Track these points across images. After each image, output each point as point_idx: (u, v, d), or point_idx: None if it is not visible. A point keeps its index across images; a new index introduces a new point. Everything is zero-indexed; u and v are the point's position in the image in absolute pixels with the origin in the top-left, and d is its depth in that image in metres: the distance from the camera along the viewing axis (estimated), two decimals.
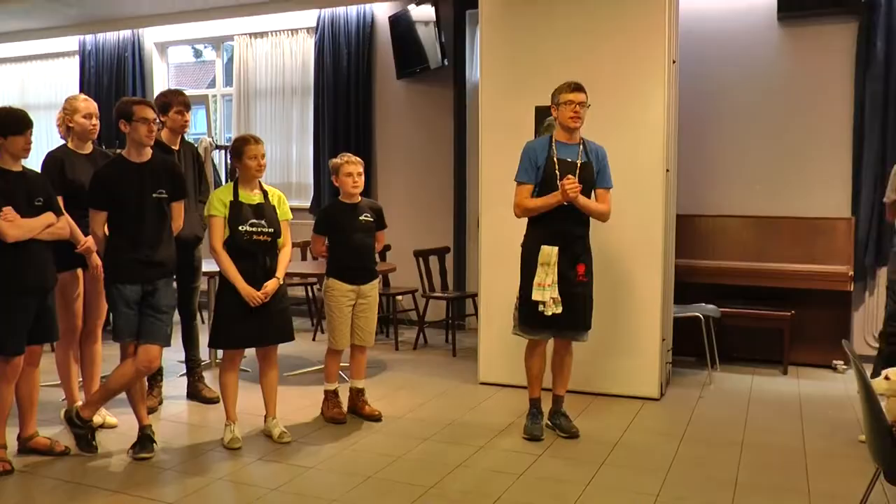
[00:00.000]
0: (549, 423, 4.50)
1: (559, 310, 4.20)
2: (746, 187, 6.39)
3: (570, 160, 4.27)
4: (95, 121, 4.54)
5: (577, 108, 4.22)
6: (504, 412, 4.86)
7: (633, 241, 5.15)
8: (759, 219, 6.30)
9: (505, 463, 4.01)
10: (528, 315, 4.30)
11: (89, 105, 4.54)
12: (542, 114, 5.21)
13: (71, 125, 4.51)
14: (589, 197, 4.33)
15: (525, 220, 4.40)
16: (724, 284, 6.12)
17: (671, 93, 5.24)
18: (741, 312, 5.98)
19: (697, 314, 5.66)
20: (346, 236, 4.59)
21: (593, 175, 4.32)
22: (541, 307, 4.20)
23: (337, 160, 4.65)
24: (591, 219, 4.38)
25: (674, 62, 5.30)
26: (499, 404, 5.08)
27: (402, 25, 7.49)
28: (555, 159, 4.25)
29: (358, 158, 4.65)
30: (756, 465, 4.01)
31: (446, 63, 7.17)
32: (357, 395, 4.81)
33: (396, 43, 7.55)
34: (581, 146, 4.33)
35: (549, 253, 4.21)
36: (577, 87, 4.24)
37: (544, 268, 4.20)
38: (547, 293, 4.19)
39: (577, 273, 4.28)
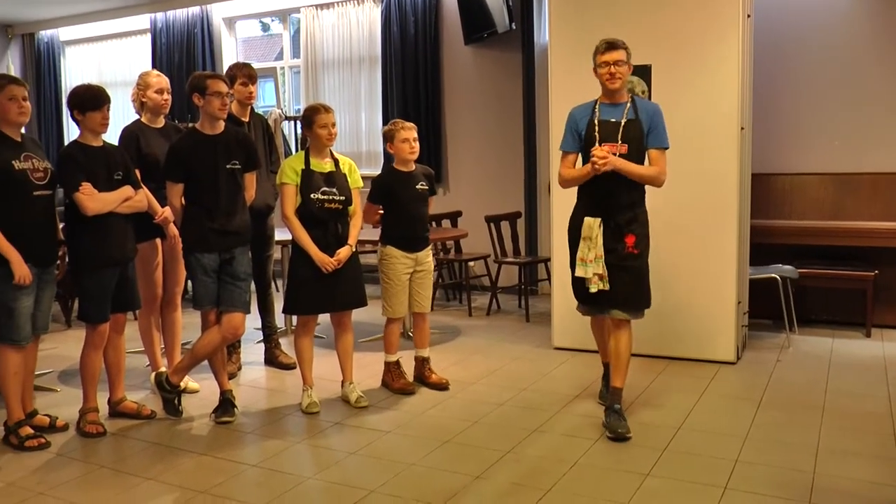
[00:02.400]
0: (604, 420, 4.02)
1: (605, 286, 3.94)
2: (825, 144, 6.18)
3: (613, 121, 3.96)
4: (167, 95, 4.66)
5: (612, 69, 3.92)
6: (578, 377, 4.84)
7: (708, 202, 5.05)
8: (839, 176, 6.10)
9: (580, 428, 4.01)
10: (575, 291, 4.12)
11: (161, 80, 4.66)
12: None
13: (144, 100, 4.64)
14: (640, 158, 3.98)
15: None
16: (802, 245, 5.97)
17: (746, 48, 5.08)
18: (821, 273, 5.81)
19: (774, 275, 5.53)
20: (404, 205, 4.56)
21: (641, 133, 3.95)
22: (586, 284, 3.98)
23: (390, 126, 4.59)
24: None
25: (749, 16, 5.13)
26: (573, 369, 5.06)
27: None
28: (596, 122, 3.98)
29: (411, 123, 4.61)
30: (838, 430, 3.92)
31: (514, 27, 7.09)
32: (422, 363, 4.82)
33: (463, 8, 7.49)
34: (629, 105, 3.99)
35: (591, 225, 3.95)
36: (611, 46, 3.93)
37: (586, 242, 3.95)
38: (590, 269, 3.93)
39: (625, 245, 3.96)
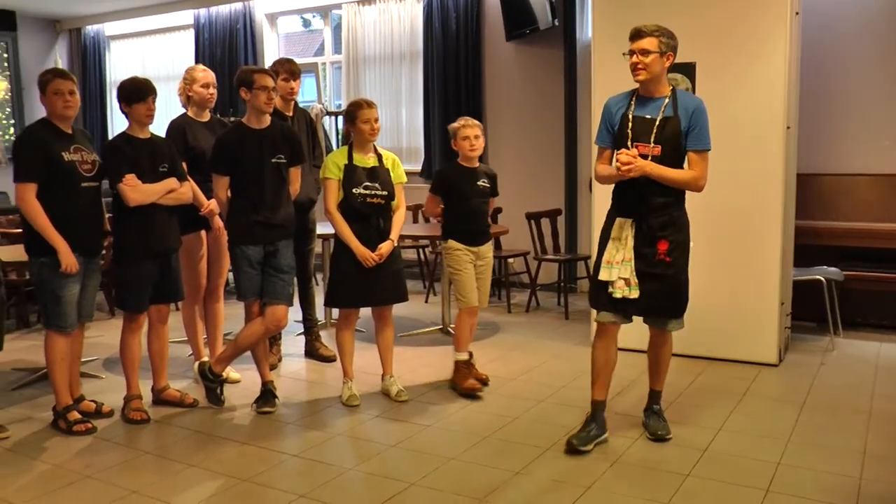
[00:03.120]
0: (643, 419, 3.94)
1: (633, 294, 3.59)
2: (875, 144, 6.07)
3: (648, 117, 3.59)
4: (213, 90, 4.74)
5: (635, 58, 3.57)
6: (618, 376, 4.70)
7: (752, 202, 4.98)
8: (889, 177, 5.98)
9: (620, 426, 3.97)
10: (595, 294, 3.75)
11: (207, 75, 4.73)
12: None
13: (190, 94, 4.71)
14: (678, 160, 3.63)
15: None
16: (849, 247, 5.86)
17: (793, 46, 5.00)
18: (868, 276, 5.71)
19: (819, 277, 5.45)
20: (464, 200, 4.59)
21: (678, 133, 3.57)
22: (609, 288, 3.63)
23: (455, 124, 4.64)
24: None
25: (797, 13, 5.06)
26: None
27: None
28: (629, 116, 3.62)
29: (476, 122, 4.63)
30: (886, 434, 3.85)
31: (556, 23, 7.06)
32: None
33: (505, 4, 7.46)
34: (668, 100, 3.61)
35: (622, 225, 3.63)
36: (635, 34, 3.59)
37: (615, 243, 3.63)
38: (615, 272, 3.59)
39: (656, 251, 3.61)
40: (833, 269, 5.63)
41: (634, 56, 3.59)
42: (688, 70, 5.03)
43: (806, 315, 5.83)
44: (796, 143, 5.41)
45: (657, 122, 3.58)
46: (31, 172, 3.78)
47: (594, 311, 3.84)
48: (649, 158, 3.56)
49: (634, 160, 3.51)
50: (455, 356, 4.65)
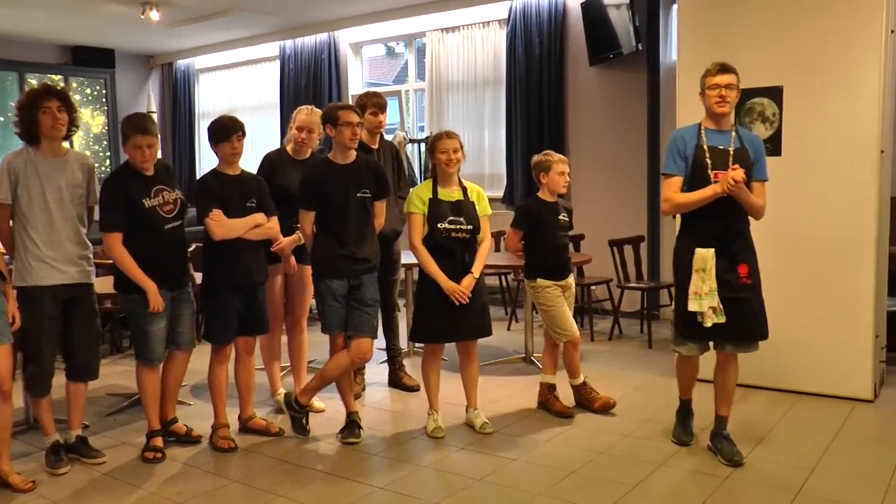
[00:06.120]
0: (710, 445, 4.04)
1: (722, 319, 3.77)
2: None
3: (721, 148, 3.85)
4: (306, 134, 4.74)
5: (723, 93, 3.79)
6: (705, 410, 4.66)
7: (842, 228, 4.81)
8: None
9: (708, 464, 3.88)
10: (685, 327, 3.90)
11: (305, 117, 4.75)
12: (744, 97, 4.97)
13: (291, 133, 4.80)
14: (747, 189, 3.83)
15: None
16: None
17: (888, 66, 4.82)
18: None
19: None
20: (548, 235, 4.62)
21: (749, 163, 3.83)
22: (699, 318, 3.79)
23: (547, 158, 4.65)
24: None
25: (892, 32, 4.87)
26: (698, 401, 4.86)
27: (593, 11, 7.38)
28: (704, 147, 3.85)
29: (564, 157, 4.69)
30: None
31: (640, 47, 7.00)
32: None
33: (589, 29, 7.46)
34: (733, 133, 3.90)
35: (704, 257, 3.77)
36: (723, 69, 3.82)
37: (700, 274, 3.77)
38: (705, 302, 3.75)
39: (738, 275, 3.82)
40: None
41: (721, 90, 3.82)
42: (775, 94, 4.94)
43: None
44: (891, 167, 5.21)
45: (731, 153, 3.85)
46: (116, 223, 3.95)
47: (677, 344, 4.03)
48: None
49: (744, 175, 3.70)
50: (571, 382, 4.78)
